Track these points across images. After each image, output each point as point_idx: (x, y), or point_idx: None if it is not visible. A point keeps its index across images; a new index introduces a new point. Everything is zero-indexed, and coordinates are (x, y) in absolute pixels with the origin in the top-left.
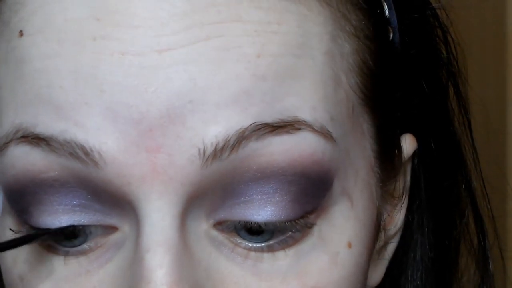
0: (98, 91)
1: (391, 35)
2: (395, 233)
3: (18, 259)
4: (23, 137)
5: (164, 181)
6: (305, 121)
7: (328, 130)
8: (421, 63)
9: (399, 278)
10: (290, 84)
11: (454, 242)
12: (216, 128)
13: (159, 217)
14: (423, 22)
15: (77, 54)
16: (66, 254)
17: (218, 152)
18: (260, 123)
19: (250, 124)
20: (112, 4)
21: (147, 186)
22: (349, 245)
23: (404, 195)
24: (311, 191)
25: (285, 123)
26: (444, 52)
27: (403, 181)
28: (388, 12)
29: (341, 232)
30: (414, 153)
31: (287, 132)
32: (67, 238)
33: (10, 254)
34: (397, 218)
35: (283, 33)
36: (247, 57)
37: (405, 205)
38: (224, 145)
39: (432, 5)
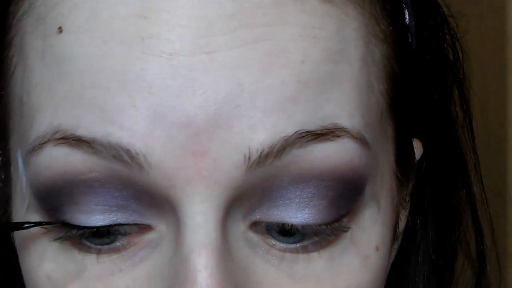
0: (146, 93)
1: (410, 41)
2: (399, 236)
3: (45, 258)
4: (62, 138)
5: (209, 185)
6: (344, 128)
7: (364, 136)
8: (433, 68)
9: (401, 280)
10: (330, 91)
11: (453, 246)
12: (262, 134)
13: (202, 219)
14: (436, 28)
15: (125, 55)
16: (99, 252)
17: (263, 158)
18: (304, 130)
19: (294, 131)
20: (158, 1)
21: (191, 189)
22: (377, 249)
23: (409, 200)
24: (347, 196)
25: (327, 131)
26: (451, 57)
27: (412, 186)
28: (408, 18)
29: (370, 236)
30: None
31: (329, 139)
32: (99, 236)
33: (35, 253)
34: (403, 221)
35: (324, 38)
36: (292, 63)
37: (408, 210)
38: (269, 151)
39: (443, 10)
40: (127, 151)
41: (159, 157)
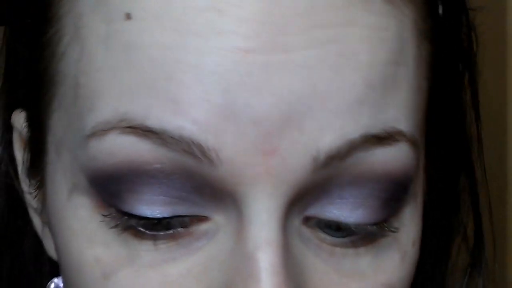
0: (221, 89)
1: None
2: None
3: (94, 240)
4: (129, 127)
5: (276, 183)
6: (402, 132)
7: (416, 139)
8: (452, 58)
9: None
10: (392, 94)
11: (453, 231)
12: (331, 136)
13: (267, 217)
14: (457, 20)
15: (200, 48)
16: (154, 239)
17: (329, 160)
18: (369, 134)
19: (360, 135)
20: None
21: (258, 187)
22: (413, 244)
23: None
24: (396, 197)
25: (388, 135)
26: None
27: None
28: (442, 13)
29: (409, 232)
30: None
31: (389, 144)
32: (153, 224)
33: (82, 235)
34: None
35: (388, 40)
36: (361, 65)
37: None
38: (336, 154)
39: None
40: (199, 146)
41: (230, 154)
